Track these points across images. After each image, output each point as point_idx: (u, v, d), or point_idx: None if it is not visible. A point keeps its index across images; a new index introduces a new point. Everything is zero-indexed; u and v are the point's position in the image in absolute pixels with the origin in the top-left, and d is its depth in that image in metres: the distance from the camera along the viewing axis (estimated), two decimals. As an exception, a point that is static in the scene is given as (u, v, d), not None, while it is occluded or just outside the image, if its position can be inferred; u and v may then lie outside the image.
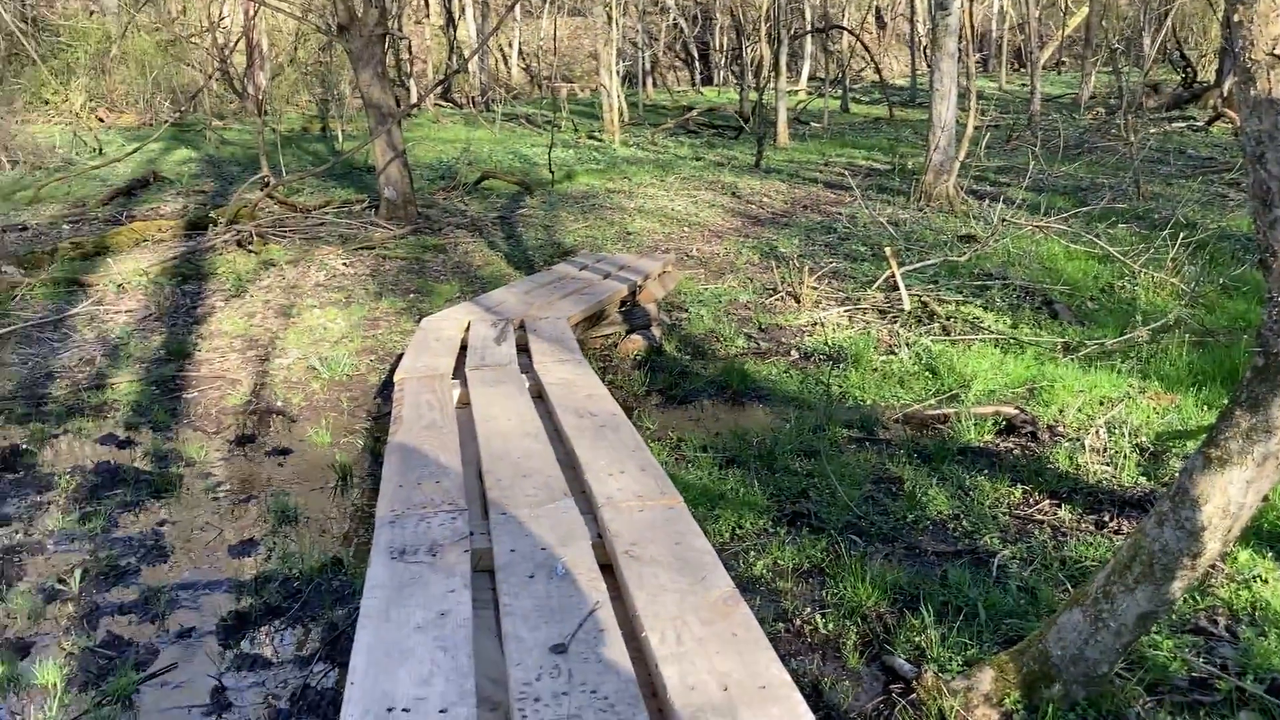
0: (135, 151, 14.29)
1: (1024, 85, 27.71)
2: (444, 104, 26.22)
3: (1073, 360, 6.44)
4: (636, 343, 7.27)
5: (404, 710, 2.34)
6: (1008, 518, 4.43)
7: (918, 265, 8.83)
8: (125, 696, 3.40)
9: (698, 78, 36.58)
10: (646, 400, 6.32)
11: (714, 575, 2.96)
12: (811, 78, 31.21)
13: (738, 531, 4.37)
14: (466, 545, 3.21)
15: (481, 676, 2.59)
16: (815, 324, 7.66)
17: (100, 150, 16.00)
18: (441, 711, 2.34)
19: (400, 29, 23.89)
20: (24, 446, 5.60)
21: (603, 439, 4.21)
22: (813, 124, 21.99)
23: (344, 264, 9.54)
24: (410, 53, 25.11)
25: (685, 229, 11.35)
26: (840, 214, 12.01)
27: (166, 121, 18.02)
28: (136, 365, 6.96)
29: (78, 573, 4.18)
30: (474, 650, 2.62)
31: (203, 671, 3.56)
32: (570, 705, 2.37)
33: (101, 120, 20.46)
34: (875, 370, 6.58)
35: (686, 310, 8.14)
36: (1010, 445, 5.27)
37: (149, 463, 5.45)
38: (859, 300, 8.16)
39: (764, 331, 7.61)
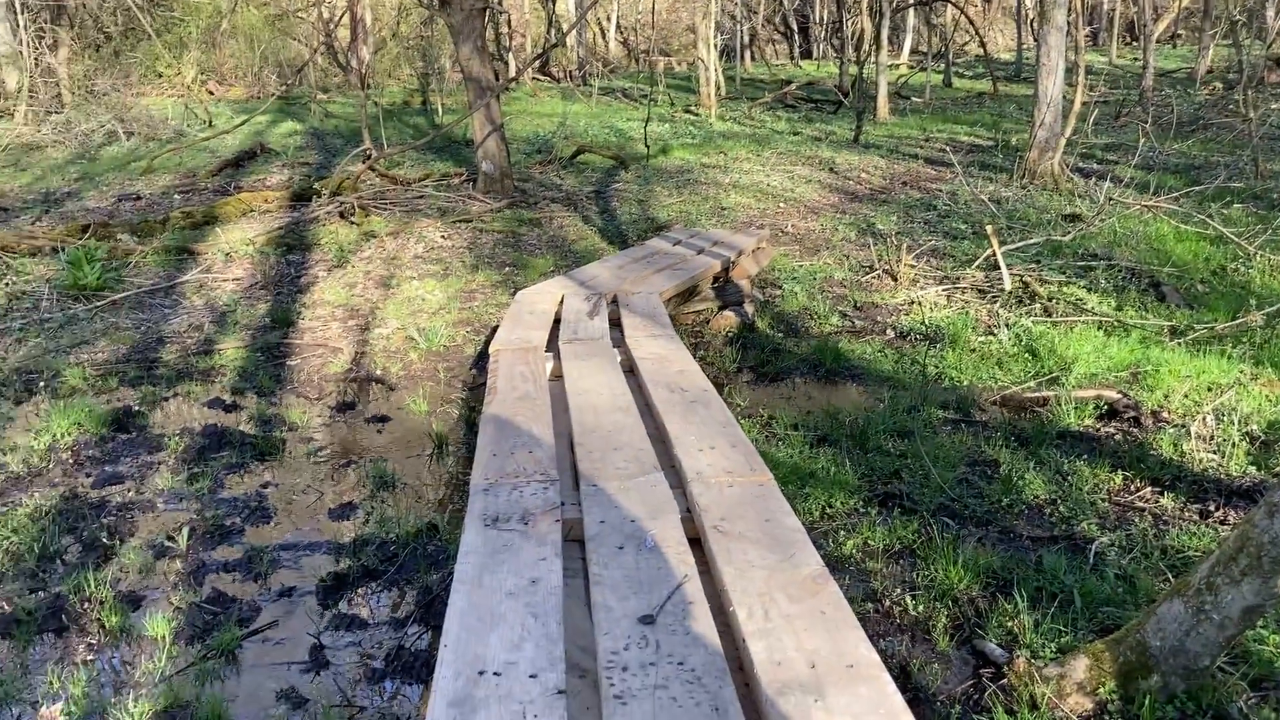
0: (243, 124, 14.69)
1: (1136, 60, 26.77)
2: (542, 78, 26.39)
3: (1180, 344, 6.23)
4: (729, 319, 7.24)
5: (495, 674, 2.39)
6: (1107, 504, 4.32)
7: (1020, 244, 8.62)
8: (229, 651, 3.54)
9: (796, 51, 36.14)
10: (738, 377, 6.31)
11: (803, 553, 2.95)
12: (913, 51, 30.63)
13: (828, 510, 4.34)
14: (557, 515, 3.26)
15: (570, 644, 2.63)
16: (912, 303, 7.54)
17: (210, 122, 16.48)
18: (531, 676, 2.38)
19: (500, 3, 24.05)
20: (136, 408, 5.83)
21: (693, 414, 4.22)
22: (914, 99, 21.57)
23: (442, 236, 9.68)
24: (509, 27, 25.29)
25: (781, 205, 11.25)
26: (940, 191, 11.78)
27: (273, 95, 18.49)
28: (243, 332, 7.19)
29: (185, 530, 4.35)
30: (563, 618, 2.66)
31: (302, 630, 3.68)
32: (657, 676, 2.39)
33: (211, 93, 21.08)
34: (973, 351, 6.46)
35: (780, 287, 8.08)
36: (1111, 430, 5.14)
37: (254, 426, 5.64)
38: (958, 279, 8.01)
39: (859, 310, 7.52)
